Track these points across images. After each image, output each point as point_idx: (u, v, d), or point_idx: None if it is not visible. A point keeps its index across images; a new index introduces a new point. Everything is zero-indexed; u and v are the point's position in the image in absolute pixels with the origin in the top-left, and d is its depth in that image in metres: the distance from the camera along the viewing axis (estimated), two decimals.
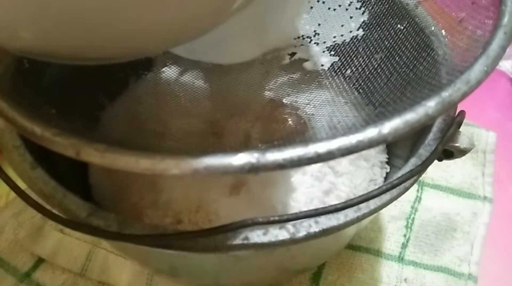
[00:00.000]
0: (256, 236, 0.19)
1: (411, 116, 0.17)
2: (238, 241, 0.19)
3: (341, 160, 0.33)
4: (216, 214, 0.27)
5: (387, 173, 0.33)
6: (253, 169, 0.15)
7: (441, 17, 0.26)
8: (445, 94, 0.17)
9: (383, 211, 0.37)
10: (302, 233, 0.20)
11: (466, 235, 0.37)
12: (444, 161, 0.25)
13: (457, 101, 0.17)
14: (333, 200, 0.29)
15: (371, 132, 0.16)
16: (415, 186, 0.40)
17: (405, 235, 0.36)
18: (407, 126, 0.16)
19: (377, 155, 0.34)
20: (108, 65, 0.20)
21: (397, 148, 0.32)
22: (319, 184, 0.31)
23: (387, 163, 0.33)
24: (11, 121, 0.18)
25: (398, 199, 0.21)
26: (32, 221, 0.38)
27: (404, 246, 0.36)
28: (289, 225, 0.20)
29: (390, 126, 0.16)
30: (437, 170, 0.40)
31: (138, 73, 0.33)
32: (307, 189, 0.30)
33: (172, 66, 0.31)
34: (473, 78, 0.17)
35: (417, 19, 0.28)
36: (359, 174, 0.33)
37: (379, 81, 0.31)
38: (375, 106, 0.30)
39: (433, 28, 0.29)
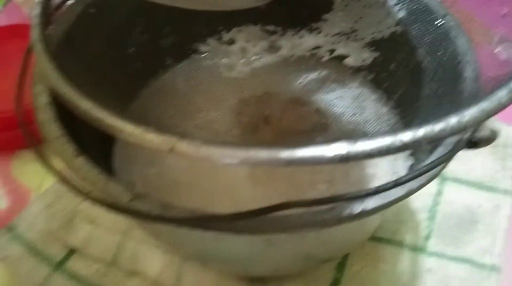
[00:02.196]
0: (291, 219, 0.20)
1: (486, 104, 0.17)
2: (274, 223, 0.20)
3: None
4: None
5: (410, 166, 0.34)
6: (344, 159, 0.16)
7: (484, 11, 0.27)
8: None
9: (405, 204, 0.38)
10: (336, 216, 0.21)
11: (488, 227, 0.37)
12: (465, 155, 0.26)
13: None
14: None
15: (452, 121, 0.17)
16: (437, 179, 0.40)
17: (428, 227, 0.37)
18: (484, 114, 0.17)
19: None
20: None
21: None
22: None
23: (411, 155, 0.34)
24: (96, 121, 0.19)
25: (420, 192, 0.22)
26: (64, 213, 0.39)
27: (427, 237, 0.36)
28: (321, 210, 0.21)
29: (469, 114, 0.17)
30: (458, 164, 0.41)
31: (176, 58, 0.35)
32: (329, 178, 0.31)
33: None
34: None
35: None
36: (381, 167, 0.34)
37: (425, 76, 0.31)
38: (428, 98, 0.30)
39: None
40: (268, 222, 0.20)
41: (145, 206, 0.21)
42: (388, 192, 0.21)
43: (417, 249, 0.36)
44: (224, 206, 0.22)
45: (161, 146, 0.17)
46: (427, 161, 0.22)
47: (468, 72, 0.26)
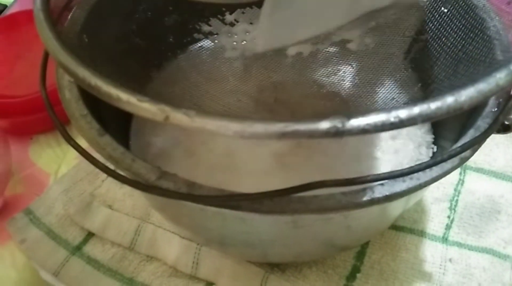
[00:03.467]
0: (320, 200, 0.20)
1: (483, 85, 0.18)
2: (303, 204, 0.20)
3: (387, 139, 0.34)
4: None
5: (433, 153, 0.33)
6: (339, 133, 0.16)
7: None
8: None
9: (426, 193, 0.38)
10: (364, 198, 0.20)
11: (510, 217, 0.36)
12: (486, 145, 0.25)
13: None
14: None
15: (449, 100, 0.17)
16: (458, 168, 0.40)
17: (449, 217, 0.36)
18: (481, 95, 0.17)
19: (423, 135, 0.34)
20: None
21: (444, 130, 0.32)
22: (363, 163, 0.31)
23: (434, 143, 0.34)
24: (94, 89, 0.19)
25: (441, 181, 0.22)
26: (81, 197, 0.39)
27: (448, 227, 0.36)
28: (351, 191, 0.20)
29: (465, 94, 0.17)
30: (479, 154, 0.40)
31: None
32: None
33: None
34: None
35: None
36: (405, 154, 0.33)
37: (428, 60, 0.31)
38: (428, 83, 0.30)
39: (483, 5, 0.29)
40: (297, 202, 0.20)
41: (173, 185, 0.21)
42: (418, 174, 0.21)
43: (438, 239, 0.35)
44: (248, 187, 0.22)
45: (156, 115, 0.17)
46: (460, 143, 0.22)
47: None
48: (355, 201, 0.20)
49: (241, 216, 0.22)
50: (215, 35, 0.39)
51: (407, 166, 0.32)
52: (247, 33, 0.38)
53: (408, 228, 0.36)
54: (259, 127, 0.16)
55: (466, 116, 0.26)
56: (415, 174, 0.20)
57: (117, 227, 0.37)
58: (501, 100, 0.24)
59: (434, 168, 0.20)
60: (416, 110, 0.17)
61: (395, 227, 0.36)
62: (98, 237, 0.37)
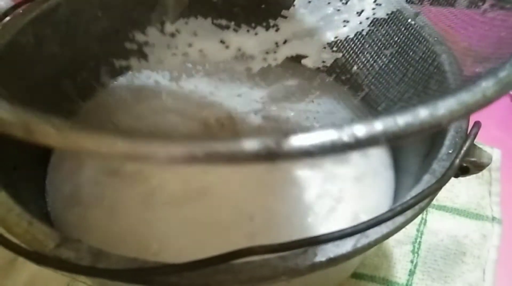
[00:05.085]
0: (252, 268, 0.17)
1: (467, 97, 0.13)
2: (231, 274, 0.17)
3: (345, 176, 0.30)
4: None
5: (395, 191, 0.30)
6: (271, 155, 0.11)
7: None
8: (502, 74, 0.14)
9: None
10: (306, 263, 0.17)
11: (477, 259, 0.34)
12: (449, 181, 0.22)
13: None
14: (336, 224, 0.27)
15: (422, 113, 0.12)
16: None
17: (412, 261, 0.34)
18: (464, 107, 0.13)
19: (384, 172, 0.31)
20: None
21: (406, 162, 0.30)
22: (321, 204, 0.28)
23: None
24: None
25: None
26: (5, 253, 0.34)
27: (411, 272, 0.33)
28: (292, 254, 0.17)
29: (445, 107, 0.13)
30: (442, 190, 0.37)
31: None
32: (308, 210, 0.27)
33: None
34: None
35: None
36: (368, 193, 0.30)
37: (394, 77, 0.28)
38: (394, 101, 0.27)
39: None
40: (224, 273, 0.16)
41: (74, 254, 0.17)
42: (368, 231, 0.18)
43: None
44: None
45: (16, 129, 0.12)
46: (413, 193, 0.19)
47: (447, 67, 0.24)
48: (294, 268, 0.17)
49: None
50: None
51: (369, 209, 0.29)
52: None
53: (369, 276, 0.33)
54: (155, 147, 0.11)
55: (425, 147, 0.24)
56: (365, 232, 0.17)
57: None
58: (457, 139, 0.22)
59: (384, 224, 0.17)
60: (378, 126, 0.12)
61: (355, 275, 0.32)
62: None
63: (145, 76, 0.31)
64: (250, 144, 0.11)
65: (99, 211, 0.25)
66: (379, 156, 0.31)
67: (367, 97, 0.30)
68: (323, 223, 0.26)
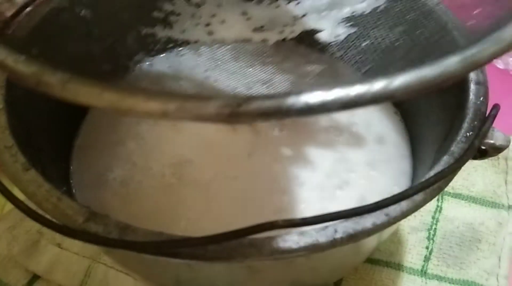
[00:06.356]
0: (275, 242, 0.17)
1: (427, 71, 0.13)
2: (254, 248, 0.17)
3: (359, 162, 0.31)
4: None
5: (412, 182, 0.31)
6: (233, 115, 0.12)
7: None
8: (469, 52, 0.14)
9: (403, 222, 0.35)
10: (326, 239, 0.17)
11: (492, 246, 0.34)
12: (464, 169, 0.23)
13: (484, 62, 0.14)
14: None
15: (377, 85, 0.13)
16: None
17: (427, 247, 0.34)
18: (422, 82, 0.13)
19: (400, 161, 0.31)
20: None
21: (422, 153, 0.30)
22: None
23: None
24: None
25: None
26: (28, 235, 0.35)
27: (426, 259, 0.33)
28: (312, 230, 0.18)
29: (400, 80, 0.13)
30: (458, 179, 0.38)
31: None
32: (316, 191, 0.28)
33: None
34: (507, 37, 0.14)
35: None
36: (379, 180, 0.31)
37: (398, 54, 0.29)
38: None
39: None
40: (248, 247, 0.17)
41: (102, 228, 0.18)
42: (388, 208, 0.18)
43: (416, 272, 0.33)
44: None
45: (28, 80, 0.13)
46: (432, 172, 0.19)
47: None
48: (315, 243, 0.17)
49: (188, 263, 0.19)
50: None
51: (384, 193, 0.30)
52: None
53: (384, 261, 0.33)
54: (136, 101, 0.12)
55: (443, 133, 0.24)
56: (384, 210, 0.18)
57: (66, 268, 0.33)
58: (476, 122, 0.22)
59: (404, 202, 0.18)
60: (332, 95, 0.12)
61: (370, 260, 0.33)
62: (44, 280, 0.33)
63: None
64: (215, 104, 0.12)
65: (125, 193, 0.26)
66: (396, 145, 0.31)
67: (369, 72, 0.30)
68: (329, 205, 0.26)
